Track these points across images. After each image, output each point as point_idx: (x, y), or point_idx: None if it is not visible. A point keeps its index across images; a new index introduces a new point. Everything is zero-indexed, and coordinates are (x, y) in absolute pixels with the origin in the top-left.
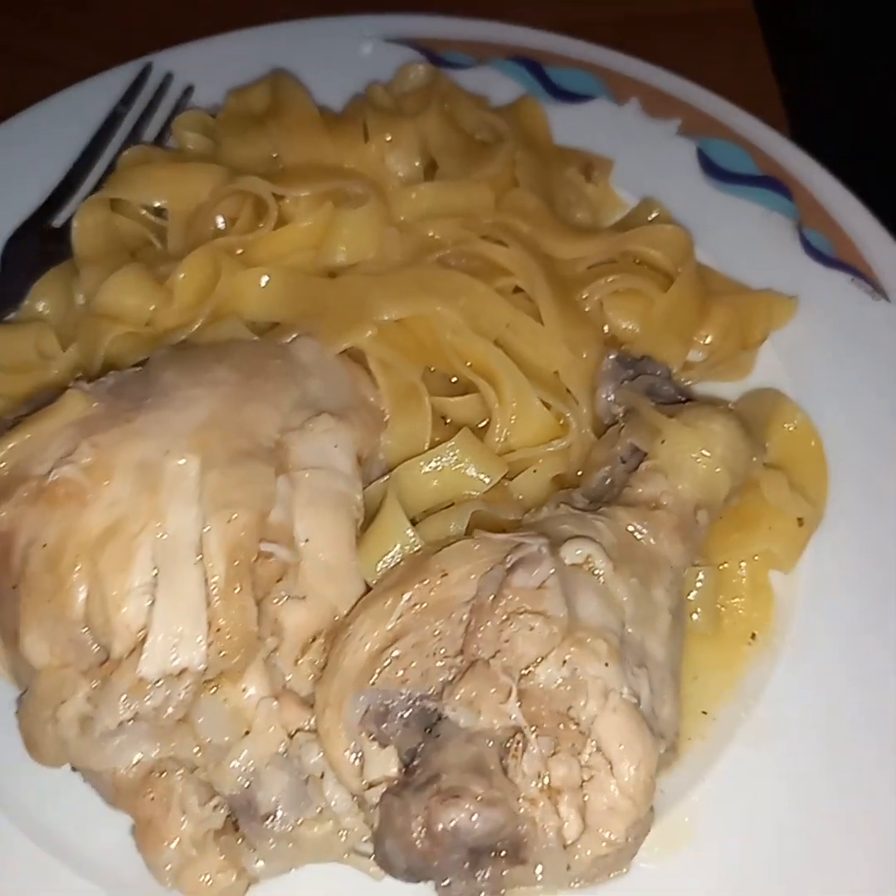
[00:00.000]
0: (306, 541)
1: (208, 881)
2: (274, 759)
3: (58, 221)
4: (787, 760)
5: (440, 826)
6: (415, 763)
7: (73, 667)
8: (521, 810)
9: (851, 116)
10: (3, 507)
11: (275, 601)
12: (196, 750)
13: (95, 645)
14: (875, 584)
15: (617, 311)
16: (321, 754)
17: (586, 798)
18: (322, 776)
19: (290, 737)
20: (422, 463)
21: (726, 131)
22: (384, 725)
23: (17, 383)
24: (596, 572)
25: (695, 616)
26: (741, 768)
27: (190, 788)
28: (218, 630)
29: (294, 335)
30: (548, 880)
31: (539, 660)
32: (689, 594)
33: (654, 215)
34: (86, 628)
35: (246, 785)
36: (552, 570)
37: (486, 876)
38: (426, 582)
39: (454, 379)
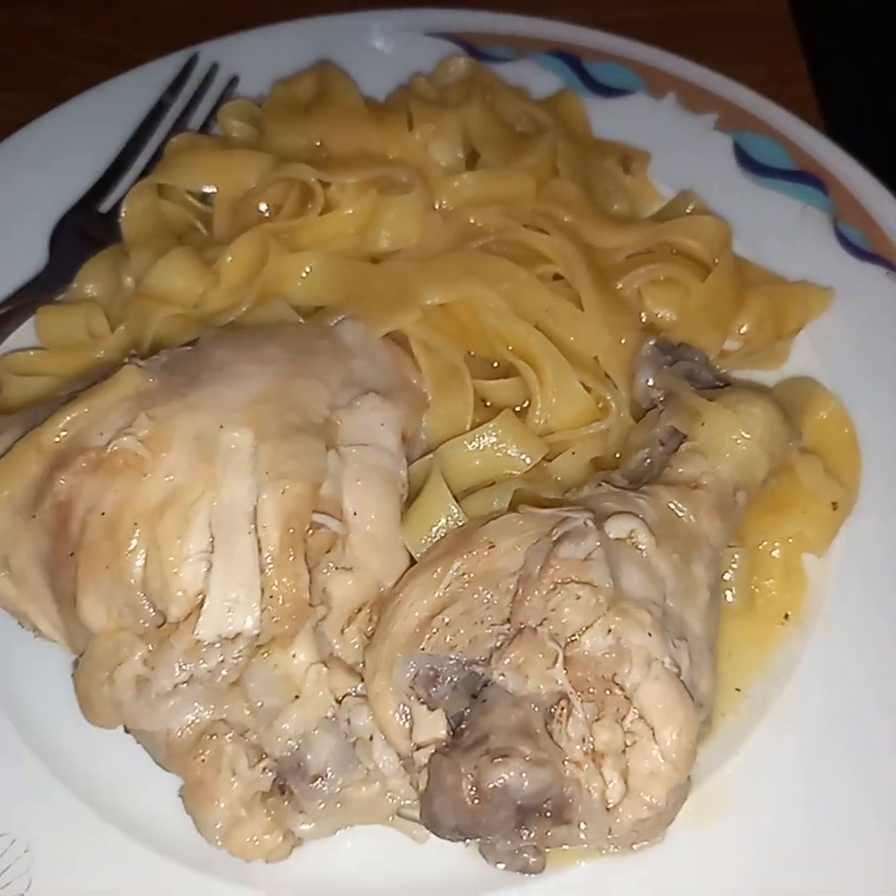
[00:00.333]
0: (354, 514)
1: (256, 841)
2: (322, 722)
3: (104, 207)
4: (816, 739)
5: (490, 784)
6: (462, 726)
7: (130, 630)
8: (567, 772)
9: (886, 115)
10: (62, 476)
11: (323, 571)
12: (247, 712)
13: (152, 609)
14: None
15: (654, 299)
16: (369, 718)
17: (628, 763)
18: (371, 739)
19: (338, 702)
20: (465, 442)
21: (763, 126)
22: (433, 689)
23: (67, 362)
24: (639, 547)
25: (729, 595)
26: (773, 745)
27: (240, 750)
28: (271, 596)
29: (339, 318)
30: (589, 841)
31: (584, 628)
32: (724, 574)
33: (691, 207)
34: (142, 593)
35: (295, 747)
36: (598, 543)
37: (531, 835)
38: (474, 553)
39: (495, 364)
